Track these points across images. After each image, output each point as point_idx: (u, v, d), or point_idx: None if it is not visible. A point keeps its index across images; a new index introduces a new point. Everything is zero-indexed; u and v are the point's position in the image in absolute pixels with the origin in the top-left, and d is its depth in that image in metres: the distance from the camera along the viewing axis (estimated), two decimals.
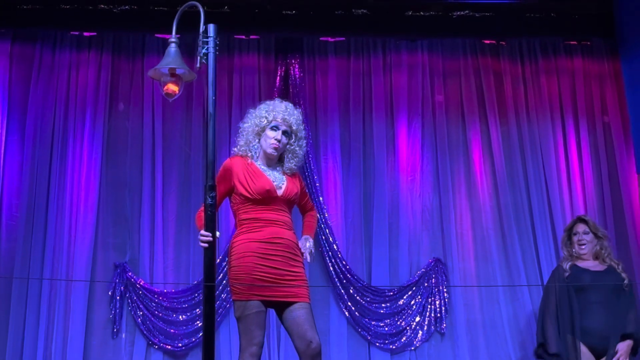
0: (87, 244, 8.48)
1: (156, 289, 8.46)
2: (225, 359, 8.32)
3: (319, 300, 8.59)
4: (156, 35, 8.97)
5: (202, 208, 5.60)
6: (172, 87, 5.69)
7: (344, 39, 9.18)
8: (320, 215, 8.58)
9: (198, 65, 5.33)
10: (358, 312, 8.58)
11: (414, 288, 8.68)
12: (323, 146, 8.88)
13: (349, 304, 8.60)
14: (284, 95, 8.83)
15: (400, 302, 8.65)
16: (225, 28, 8.35)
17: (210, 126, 5.22)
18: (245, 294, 5.69)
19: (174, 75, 5.65)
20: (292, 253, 5.85)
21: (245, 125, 6.06)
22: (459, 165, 9.04)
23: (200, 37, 5.30)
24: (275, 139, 5.95)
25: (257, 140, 6.01)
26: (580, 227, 7.93)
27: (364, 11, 9.02)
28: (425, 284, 8.70)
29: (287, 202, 5.94)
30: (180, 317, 8.44)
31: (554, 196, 8.98)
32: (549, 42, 9.39)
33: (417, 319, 8.64)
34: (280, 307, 5.79)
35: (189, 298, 8.47)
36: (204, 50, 5.29)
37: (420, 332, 8.62)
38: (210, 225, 5.32)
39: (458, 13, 9.10)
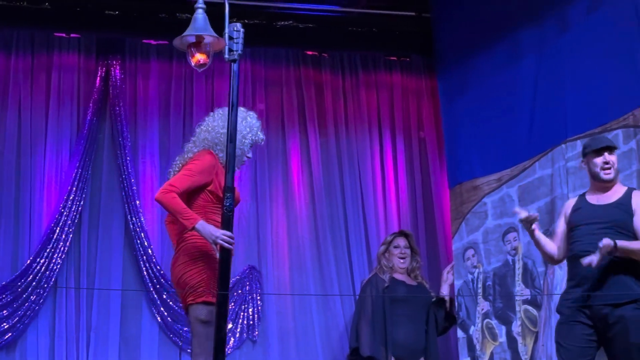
0: None
1: None
2: None
3: (132, 305, 8.71)
4: None
5: (170, 189, 5.80)
6: (201, 57, 5.59)
7: (167, 42, 9.24)
8: (136, 219, 8.69)
9: (227, 56, 5.48)
10: (170, 318, 8.70)
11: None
12: (142, 149, 8.96)
13: (162, 309, 8.70)
14: (104, 96, 8.91)
15: None
16: (45, 25, 8.36)
17: (232, 117, 5.47)
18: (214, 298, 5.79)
19: (199, 44, 5.54)
20: None
21: (246, 133, 6.20)
22: (277, 174, 9.25)
23: (227, 30, 5.45)
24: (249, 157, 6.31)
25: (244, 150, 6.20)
26: (402, 241, 8.30)
27: (188, 15, 9.05)
28: (240, 291, 8.88)
29: None
30: None
31: (369, 208, 9.32)
32: (369, 57, 9.73)
33: (230, 325, 8.73)
34: None
35: None
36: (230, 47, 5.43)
37: (232, 339, 8.78)
38: (229, 226, 5.52)
39: (282, 23, 9.26)
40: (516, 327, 7.93)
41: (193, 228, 5.77)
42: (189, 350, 8.58)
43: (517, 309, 7.96)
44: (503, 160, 8.24)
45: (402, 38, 9.65)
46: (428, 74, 9.72)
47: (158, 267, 8.71)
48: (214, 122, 6.25)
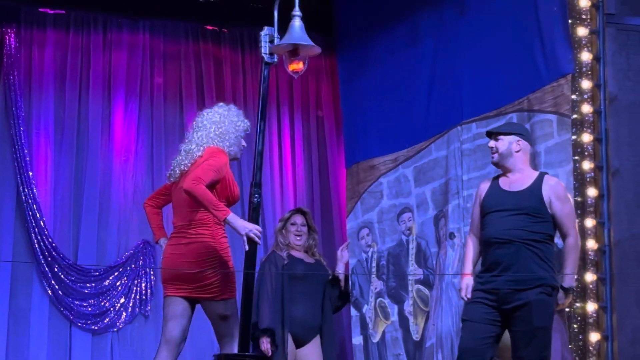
0: None
1: None
2: None
3: (22, 278, 8.64)
4: None
5: (199, 181, 5.93)
6: (300, 65, 5.91)
7: (64, 12, 9.13)
8: (28, 190, 8.58)
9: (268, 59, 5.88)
10: (62, 291, 8.65)
11: (120, 269, 8.84)
12: (36, 120, 8.85)
13: (53, 282, 8.65)
14: None
15: (106, 283, 8.79)
16: None
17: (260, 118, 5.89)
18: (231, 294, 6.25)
19: (295, 51, 5.80)
20: None
21: (237, 125, 6.48)
22: (174, 148, 9.11)
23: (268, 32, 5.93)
24: (244, 146, 6.52)
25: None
26: (299, 219, 8.33)
27: None
28: (133, 266, 8.85)
29: None
30: None
31: (266, 186, 9.30)
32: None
33: (122, 300, 8.81)
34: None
35: None
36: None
37: (124, 313, 8.81)
38: (257, 220, 6.08)
39: None
40: (408, 307, 8.05)
41: (225, 220, 6.00)
42: (79, 324, 8.59)
43: (410, 288, 8.08)
44: (400, 141, 8.35)
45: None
46: (327, 52, 9.68)
47: (50, 240, 8.63)
48: (220, 118, 6.46)
